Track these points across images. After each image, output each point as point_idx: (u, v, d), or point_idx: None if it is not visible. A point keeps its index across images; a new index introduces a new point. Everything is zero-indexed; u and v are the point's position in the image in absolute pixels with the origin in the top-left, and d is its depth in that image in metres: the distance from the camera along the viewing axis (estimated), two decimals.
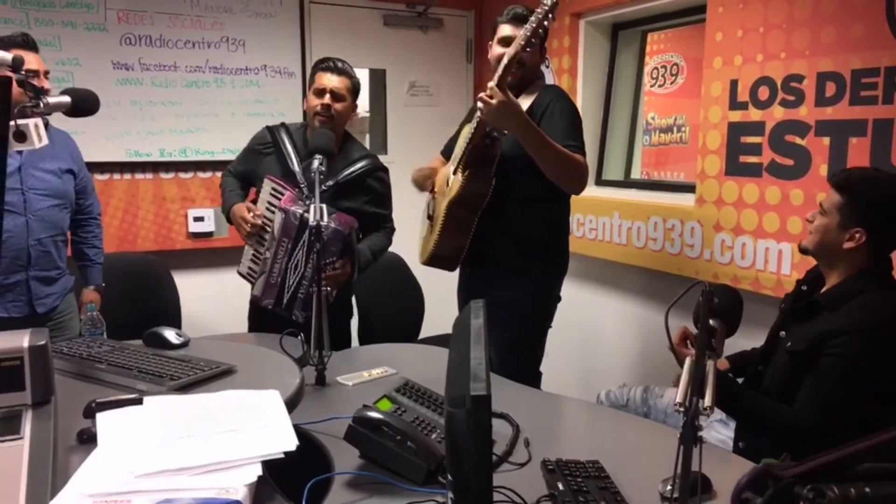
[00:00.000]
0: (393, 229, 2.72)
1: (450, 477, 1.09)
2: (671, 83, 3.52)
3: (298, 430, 1.34)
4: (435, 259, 2.50)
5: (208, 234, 3.73)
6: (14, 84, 1.49)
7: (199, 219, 3.68)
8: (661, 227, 3.06)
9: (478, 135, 2.29)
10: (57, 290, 2.57)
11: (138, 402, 1.32)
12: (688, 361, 1.22)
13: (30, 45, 2.41)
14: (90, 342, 1.84)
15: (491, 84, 2.15)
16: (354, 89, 2.56)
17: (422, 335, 3.50)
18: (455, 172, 2.40)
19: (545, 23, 2.08)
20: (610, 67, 3.64)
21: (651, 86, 3.61)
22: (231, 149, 3.41)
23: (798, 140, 2.45)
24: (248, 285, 2.55)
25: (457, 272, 2.64)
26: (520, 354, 2.47)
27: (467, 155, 2.32)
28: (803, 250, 1.89)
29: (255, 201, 2.54)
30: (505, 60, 2.17)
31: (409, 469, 1.41)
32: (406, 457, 1.41)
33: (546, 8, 2.04)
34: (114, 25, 3.41)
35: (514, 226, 2.42)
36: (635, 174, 3.69)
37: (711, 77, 2.77)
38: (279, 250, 2.42)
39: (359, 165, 2.57)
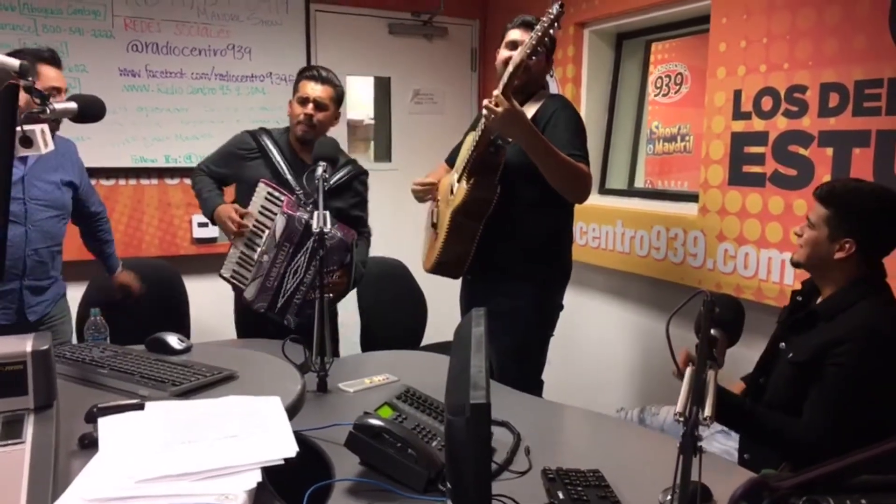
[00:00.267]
0: (370, 234, 2.78)
1: (449, 485, 1.09)
2: (675, 92, 3.53)
3: (299, 436, 1.34)
4: (439, 266, 2.51)
5: (212, 240, 3.75)
6: (21, 91, 1.51)
7: (203, 224, 3.69)
8: (664, 237, 3.06)
9: (482, 143, 2.29)
10: (48, 297, 2.57)
11: (140, 407, 1.32)
12: (688, 371, 1.22)
13: (55, 61, 2.43)
14: (93, 347, 1.85)
15: (496, 92, 2.16)
16: (338, 98, 2.60)
17: (424, 342, 3.50)
18: (459, 180, 2.41)
19: (551, 31, 2.09)
20: (614, 76, 3.65)
21: (655, 95, 3.62)
22: None
23: (801, 150, 2.45)
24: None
25: (459, 279, 2.64)
26: (521, 362, 2.47)
27: (472, 163, 2.33)
28: (795, 264, 1.89)
29: (234, 202, 2.57)
30: (511, 66, 2.18)
31: (410, 477, 1.41)
32: (406, 464, 1.41)
33: (552, 16, 2.06)
34: (121, 32, 3.43)
35: (518, 232, 2.42)
36: (639, 183, 3.69)
37: (715, 87, 2.77)
38: (279, 255, 2.43)
39: (346, 170, 2.64)
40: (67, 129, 2.43)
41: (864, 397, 1.69)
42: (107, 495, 1.03)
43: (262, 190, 2.47)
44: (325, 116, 2.56)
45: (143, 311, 2.86)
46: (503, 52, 2.43)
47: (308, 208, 2.45)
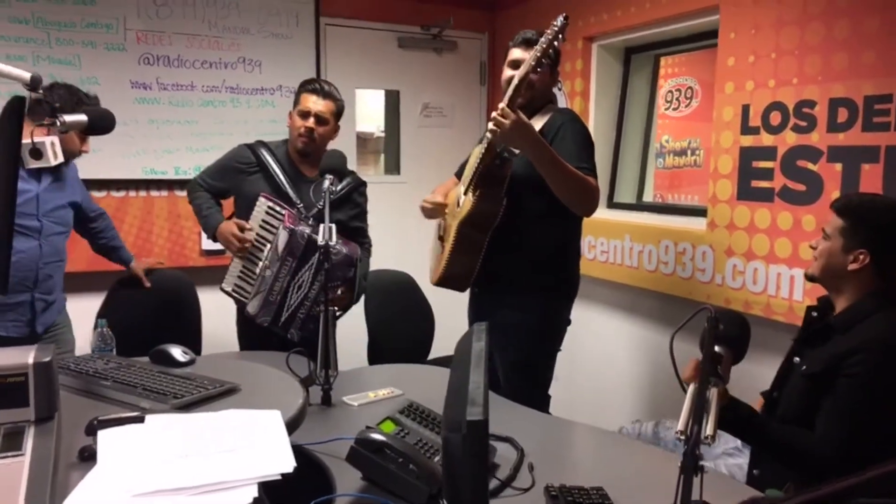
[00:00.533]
0: (371, 244, 2.79)
1: (444, 502, 1.08)
2: (685, 106, 3.52)
3: (301, 450, 1.34)
4: (446, 279, 2.50)
5: (221, 252, 3.74)
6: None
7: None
8: (673, 251, 3.04)
9: (489, 155, 2.30)
10: (55, 309, 2.64)
11: (140, 420, 1.32)
12: (691, 388, 1.21)
13: None
14: (97, 358, 1.86)
15: (502, 105, 2.17)
16: (339, 112, 2.62)
17: (432, 355, 3.48)
18: (466, 192, 2.41)
19: (555, 43, 2.10)
20: (622, 90, 3.65)
21: (665, 109, 3.62)
22: None
23: (810, 165, 2.44)
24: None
25: (467, 292, 2.63)
26: (528, 377, 2.45)
27: (478, 175, 2.33)
28: (810, 278, 1.89)
29: (232, 216, 2.59)
30: (514, 83, 2.19)
31: (411, 492, 1.40)
32: (407, 479, 1.40)
33: (556, 29, 2.06)
34: (133, 45, 3.47)
35: (525, 244, 2.42)
36: (647, 197, 3.68)
37: (723, 102, 2.76)
38: (282, 269, 2.43)
39: (346, 181, 2.64)
40: None
41: (878, 410, 1.66)
42: None
43: (262, 204, 2.48)
44: (326, 130, 2.57)
45: (155, 321, 2.89)
46: (506, 72, 2.43)
47: (310, 222, 2.45)
